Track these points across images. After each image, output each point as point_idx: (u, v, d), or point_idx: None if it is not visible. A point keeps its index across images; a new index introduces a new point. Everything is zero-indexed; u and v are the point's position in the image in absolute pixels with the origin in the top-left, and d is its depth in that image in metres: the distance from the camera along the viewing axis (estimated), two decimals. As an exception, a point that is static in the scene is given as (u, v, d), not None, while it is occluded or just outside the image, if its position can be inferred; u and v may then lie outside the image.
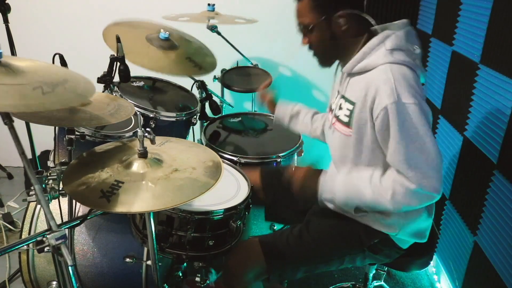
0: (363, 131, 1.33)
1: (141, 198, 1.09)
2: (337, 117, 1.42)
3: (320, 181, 1.40)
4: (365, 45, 1.32)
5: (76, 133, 1.51)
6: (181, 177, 1.17)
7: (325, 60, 1.44)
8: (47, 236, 0.97)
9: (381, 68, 1.27)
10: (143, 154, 1.20)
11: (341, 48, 1.39)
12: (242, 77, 2.42)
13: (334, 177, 1.39)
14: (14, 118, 1.03)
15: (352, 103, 1.35)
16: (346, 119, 1.37)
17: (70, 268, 1.00)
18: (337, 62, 1.48)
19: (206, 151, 1.37)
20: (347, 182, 1.36)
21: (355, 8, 1.33)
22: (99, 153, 1.31)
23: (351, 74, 1.39)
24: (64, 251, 0.95)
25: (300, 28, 1.41)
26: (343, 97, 1.41)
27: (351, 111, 1.35)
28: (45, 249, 1.01)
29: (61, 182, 1.25)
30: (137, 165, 1.19)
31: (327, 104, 1.72)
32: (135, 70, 1.82)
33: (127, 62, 1.64)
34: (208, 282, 1.59)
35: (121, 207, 1.05)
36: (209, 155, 1.33)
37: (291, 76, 2.87)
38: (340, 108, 1.41)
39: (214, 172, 1.23)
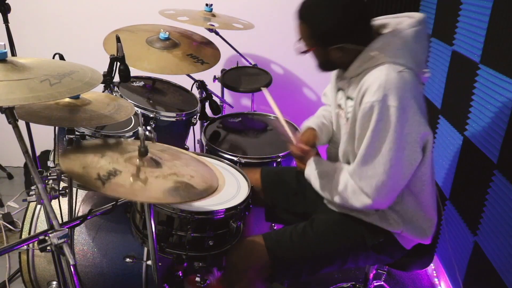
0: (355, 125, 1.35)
1: (135, 188, 1.08)
2: (346, 116, 1.43)
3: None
4: (369, 46, 1.31)
5: (76, 133, 1.50)
6: (178, 180, 1.17)
7: (323, 69, 1.46)
8: (50, 235, 0.97)
9: (380, 68, 1.27)
10: (144, 152, 1.20)
11: (340, 61, 1.39)
12: (242, 77, 2.42)
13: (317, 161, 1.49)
14: (15, 118, 1.03)
15: (352, 100, 1.36)
16: (349, 116, 1.39)
17: (72, 267, 1.00)
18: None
19: (210, 170, 1.34)
20: (322, 167, 1.46)
21: (354, 42, 1.31)
22: (102, 143, 1.32)
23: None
24: (66, 250, 0.95)
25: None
26: (348, 97, 1.42)
27: (352, 108, 1.36)
28: (47, 248, 1.00)
29: (61, 182, 1.25)
30: (137, 161, 1.19)
31: (322, 103, 1.73)
32: (135, 70, 1.82)
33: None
34: (208, 281, 1.59)
35: (114, 192, 1.04)
36: (211, 174, 1.30)
37: (288, 76, 2.87)
38: (347, 107, 1.42)
39: (213, 188, 1.21)
